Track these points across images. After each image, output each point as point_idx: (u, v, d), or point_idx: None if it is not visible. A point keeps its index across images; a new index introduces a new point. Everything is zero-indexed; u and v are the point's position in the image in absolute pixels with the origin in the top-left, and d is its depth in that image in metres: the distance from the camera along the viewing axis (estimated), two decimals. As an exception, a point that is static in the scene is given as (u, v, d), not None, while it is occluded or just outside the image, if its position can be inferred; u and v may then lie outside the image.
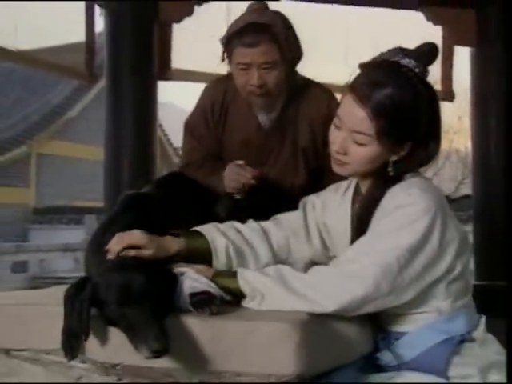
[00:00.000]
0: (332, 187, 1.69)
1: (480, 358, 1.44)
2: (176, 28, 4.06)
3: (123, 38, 3.82)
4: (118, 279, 1.30)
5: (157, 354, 1.21)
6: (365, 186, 1.56)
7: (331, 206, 1.64)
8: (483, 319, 1.52)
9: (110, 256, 1.43)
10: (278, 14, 2.02)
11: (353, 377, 1.48)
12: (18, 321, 1.48)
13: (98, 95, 12.23)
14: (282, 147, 2.13)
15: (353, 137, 1.44)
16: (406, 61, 1.44)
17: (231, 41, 1.96)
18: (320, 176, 2.15)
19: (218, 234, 1.56)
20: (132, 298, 1.27)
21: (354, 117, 1.42)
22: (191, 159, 2.17)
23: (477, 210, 4.60)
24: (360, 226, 1.50)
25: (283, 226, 1.65)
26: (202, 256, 1.54)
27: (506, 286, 2.78)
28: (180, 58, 4.19)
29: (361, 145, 1.44)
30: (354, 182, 1.62)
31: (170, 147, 13.96)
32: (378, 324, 1.53)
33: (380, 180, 1.50)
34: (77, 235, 10.06)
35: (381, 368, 1.51)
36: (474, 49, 4.70)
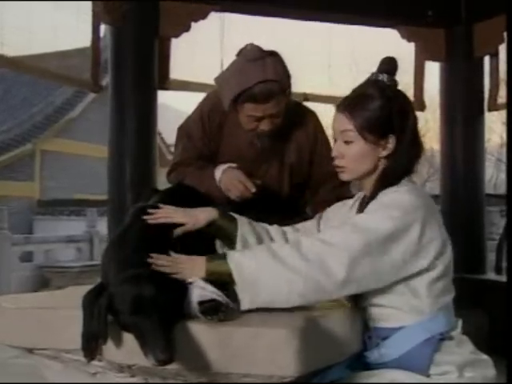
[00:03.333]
0: (341, 202, 1.73)
1: (457, 356, 1.46)
2: (174, 42, 4.05)
3: (127, 51, 3.79)
4: (131, 291, 1.28)
5: (162, 364, 1.20)
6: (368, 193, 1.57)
7: (339, 217, 1.65)
8: (460, 321, 1.53)
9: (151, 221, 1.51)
10: (276, 57, 1.93)
11: (343, 373, 1.50)
12: (39, 323, 1.47)
13: (97, 97, 12.11)
14: (270, 164, 2.11)
15: (343, 138, 1.53)
16: (374, 76, 1.55)
17: (240, 96, 1.87)
18: (303, 191, 2.17)
19: (246, 222, 1.61)
20: (142, 309, 1.26)
21: (338, 122, 1.54)
22: (182, 157, 2.11)
23: (444, 205, 4.66)
24: None
25: (299, 229, 1.69)
26: (225, 234, 1.60)
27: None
28: (178, 70, 4.17)
29: (349, 143, 1.52)
30: (362, 194, 1.64)
31: (163, 145, 13.90)
32: (365, 321, 1.52)
33: (379, 181, 1.52)
34: (77, 226, 10.02)
35: (368, 365, 1.52)
36: (443, 63, 4.75)
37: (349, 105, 1.52)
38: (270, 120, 1.92)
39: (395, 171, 1.51)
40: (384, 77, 1.52)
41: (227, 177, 1.94)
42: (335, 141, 1.57)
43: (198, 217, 1.57)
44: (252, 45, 1.95)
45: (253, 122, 1.93)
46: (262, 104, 1.87)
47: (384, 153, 1.51)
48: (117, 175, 3.91)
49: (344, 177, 1.57)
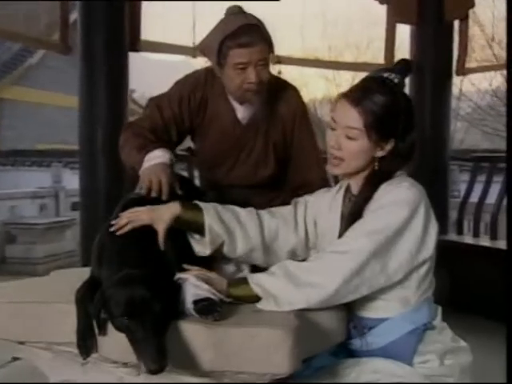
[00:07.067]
0: (324, 189, 1.76)
1: (438, 345, 1.52)
2: (145, 2, 3.93)
3: (96, 12, 3.66)
4: (124, 294, 1.27)
5: (154, 373, 1.20)
6: (356, 187, 1.59)
7: (323, 204, 1.68)
8: (440, 309, 1.59)
9: (120, 232, 1.48)
10: (256, 16, 1.95)
11: (327, 361, 1.55)
12: (31, 317, 1.47)
13: (58, 45, 11.65)
14: (255, 141, 2.10)
15: (346, 132, 1.52)
16: (387, 74, 1.54)
17: (225, 44, 1.88)
18: (286, 165, 2.18)
19: (212, 211, 1.59)
20: (135, 313, 1.25)
21: (346, 115, 1.51)
22: (142, 122, 2.06)
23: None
24: (351, 220, 1.53)
25: (276, 214, 1.70)
26: (192, 227, 1.58)
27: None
28: (149, 31, 4.07)
29: (352, 139, 1.52)
30: (345, 183, 1.65)
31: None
32: (351, 310, 1.56)
33: (370, 180, 1.54)
34: (39, 176, 9.80)
35: (352, 353, 1.57)
36: (414, 26, 4.75)
37: (360, 98, 1.49)
38: (256, 70, 1.91)
39: (387, 173, 1.54)
40: (397, 77, 1.52)
41: (152, 169, 1.80)
42: (332, 129, 1.55)
43: (163, 216, 1.54)
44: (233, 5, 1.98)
45: (240, 73, 1.92)
46: (247, 48, 1.88)
47: (380, 153, 1.53)
48: (88, 138, 3.85)
49: (336, 171, 1.58)
